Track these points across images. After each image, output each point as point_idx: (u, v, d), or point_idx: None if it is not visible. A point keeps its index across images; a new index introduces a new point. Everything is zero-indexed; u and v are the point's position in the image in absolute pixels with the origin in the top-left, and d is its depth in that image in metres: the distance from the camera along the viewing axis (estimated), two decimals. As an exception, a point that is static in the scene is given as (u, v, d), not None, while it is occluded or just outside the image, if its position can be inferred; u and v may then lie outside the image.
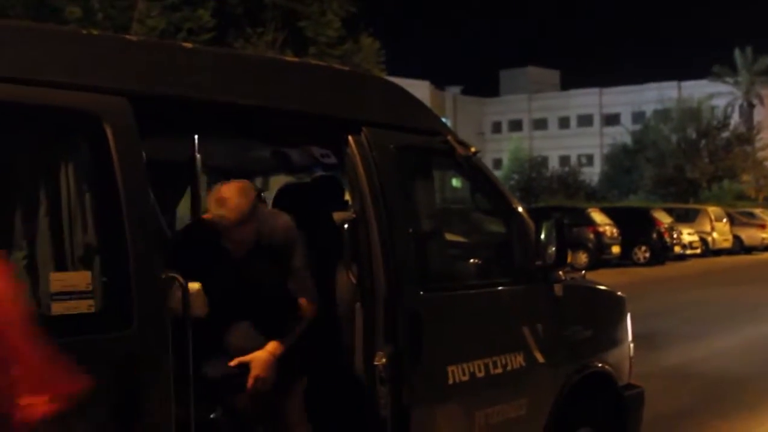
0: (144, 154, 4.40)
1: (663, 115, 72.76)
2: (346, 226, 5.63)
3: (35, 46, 4.21)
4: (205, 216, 5.44)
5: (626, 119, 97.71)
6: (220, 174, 7.84)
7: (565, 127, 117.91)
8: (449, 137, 6.02)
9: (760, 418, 10.79)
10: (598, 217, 36.91)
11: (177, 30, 29.18)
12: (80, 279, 4.06)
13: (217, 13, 30.85)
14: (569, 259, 6.64)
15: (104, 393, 4.04)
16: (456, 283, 6.19)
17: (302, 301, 5.35)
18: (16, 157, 4.05)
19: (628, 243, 37.07)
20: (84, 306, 4.04)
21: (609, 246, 35.82)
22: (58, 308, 3.97)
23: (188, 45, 5.46)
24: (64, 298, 3.98)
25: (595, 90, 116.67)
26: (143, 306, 4.20)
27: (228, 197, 5.04)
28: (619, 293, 7.62)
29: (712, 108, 70.96)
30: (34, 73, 4.11)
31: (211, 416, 5.43)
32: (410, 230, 5.61)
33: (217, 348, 5.28)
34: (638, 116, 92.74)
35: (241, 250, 5.26)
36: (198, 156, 6.35)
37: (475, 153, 6.16)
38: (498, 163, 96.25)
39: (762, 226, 48.52)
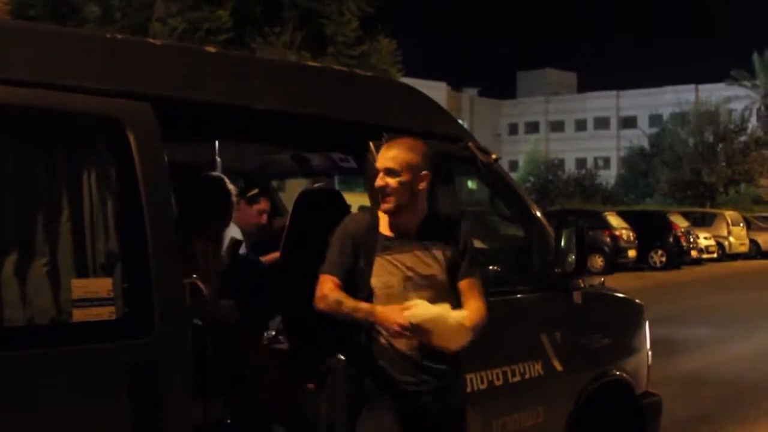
0: (166, 159, 4.40)
1: (680, 118, 72.38)
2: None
3: (57, 50, 4.22)
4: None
5: (643, 122, 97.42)
6: (240, 177, 7.88)
7: (581, 129, 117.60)
8: (471, 144, 6.02)
9: (779, 424, 10.74)
10: (614, 220, 36.77)
11: (195, 30, 29.18)
12: (102, 286, 4.06)
13: (235, 13, 30.84)
14: (585, 264, 6.62)
15: (124, 400, 4.06)
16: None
17: None
18: (37, 163, 4.04)
19: (644, 247, 36.93)
20: (105, 313, 4.04)
21: (625, 250, 35.68)
22: (79, 315, 3.97)
23: (211, 49, 5.46)
24: (85, 304, 3.98)
25: (612, 93, 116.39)
26: (164, 313, 4.20)
27: None
28: (637, 301, 7.60)
29: (730, 111, 70.55)
30: (56, 77, 4.12)
31: (227, 421, 5.44)
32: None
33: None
34: (655, 119, 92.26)
35: None
36: (218, 159, 6.35)
37: (496, 160, 6.16)
38: (514, 165, 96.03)
39: (779, 231, 48.30)
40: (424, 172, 4.71)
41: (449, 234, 4.83)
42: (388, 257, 4.73)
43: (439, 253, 4.76)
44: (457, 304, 4.65)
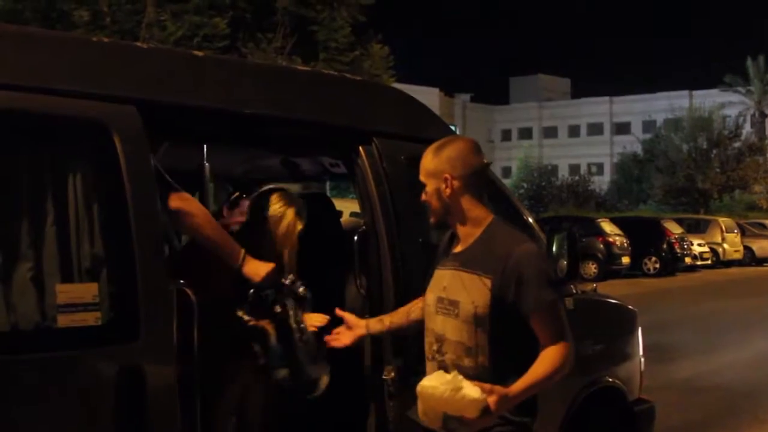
0: (153, 163, 4.35)
1: (674, 124, 72.51)
2: (355, 237, 5.57)
3: (42, 53, 4.18)
4: None
5: (637, 128, 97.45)
6: (229, 182, 7.84)
7: (575, 135, 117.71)
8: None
9: (772, 432, 10.71)
10: (607, 227, 36.82)
11: (192, 36, 29.17)
12: (87, 291, 4.01)
13: (230, 20, 30.84)
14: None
15: (110, 406, 4.01)
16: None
17: None
18: (21, 167, 3.99)
19: (638, 253, 36.98)
20: (91, 318, 4.00)
21: (619, 256, 35.71)
22: (64, 320, 3.93)
23: (198, 53, 5.43)
24: (70, 310, 3.94)
25: (606, 98, 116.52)
26: (150, 318, 4.15)
27: None
28: (630, 307, 7.57)
29: (724, 118, 70.72)
30: (41, 80, 4.08)
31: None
32: (420, 242, 5.55)
33: None
34: (649, 125, 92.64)
35: None
36: (207, 164, 6.31)
37: (487, 165, 6.11)
38: (507, 171, 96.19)
39: (773, 238, 48.32)
40: (446, 175, 4.18)
41: (495, 255, 4.11)
42: (439, 270, 4.36)
43: (487, 279, 4.09)
44: (513, 345, 4.07)
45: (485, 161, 4.32)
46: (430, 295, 4.33)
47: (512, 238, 4.17)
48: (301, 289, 5.40)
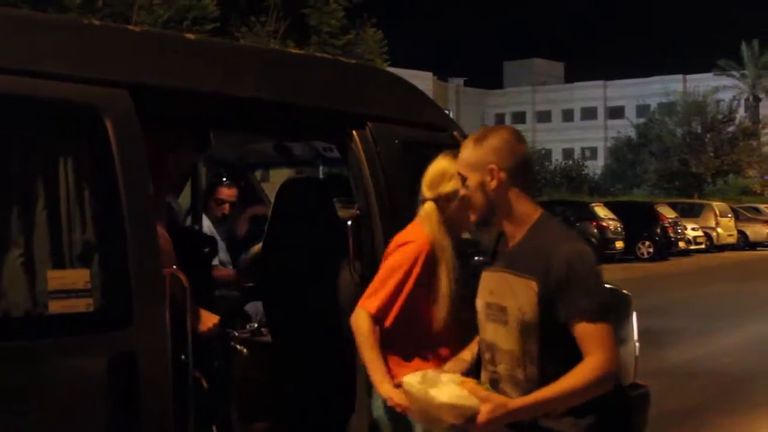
0: (145, 148, 4.31)
1: (668, 108, 72.59)
2: (349, 223, 5.53)
3: (33, 36, 4.14)
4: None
5: (631, 112, 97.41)
6: (221, 167, 7.81)
7: (569, 120, 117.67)
8: (456, 133, 5.94)
9: (767, 416, 10.75)
10: (601, 211, 36.81)
11: (181, 19, 29.10)
12: (78, 277, 3.98)
13: (220, 2, 30.76)
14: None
15: (103, 392, 3.99)
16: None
17: None
18: (11, 151, 3.96)
19: (631, 238, 37.05)
20: (82, 305, 3.97)
21: (612, 241, 35.72)
22: (55, 307, 3.90)
23: (190, 36, 5.38)
24: (62, 296, 3.91)
25: (600, 83, 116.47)
26: (143, 304, 4.12)
27: None
28: (624, 291, 7.53)
29: (718, 102, 70.77)
30: (32, 63, 4.04)
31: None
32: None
33: None
34: (643, 109, 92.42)
35: None
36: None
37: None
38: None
39: (767, 222, 48.36)
40: (492, 166, 3.79)
41: (541, 255, 3.73)
42: (486, 273, 4.01)
43: (533, 281, 3.72)
44: (567, 355, 3.64)
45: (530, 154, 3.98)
46: (479, 301, 3.99)
47: (560, 235, 3.80)
48: (239, 346, 5.42)
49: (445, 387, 3.63)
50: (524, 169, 3.87)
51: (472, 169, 3.84)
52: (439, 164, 4.72)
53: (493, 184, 3.79)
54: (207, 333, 4.98)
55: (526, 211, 3.85)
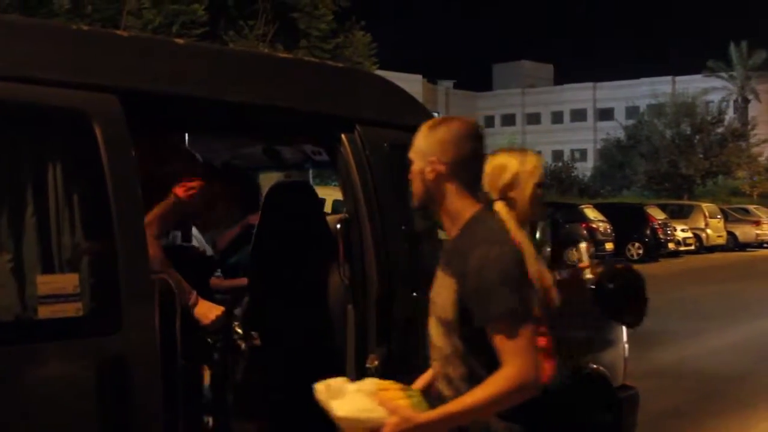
0: (134, 153, 4.32)
1: (657, 110, 72.58)
2: (338, 226, 5.55)
3: (21, 41, 4.15)
4: None
5: (620, 114, 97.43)
6: (210, 170, 7.80)
7: (558, 121, 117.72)
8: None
9: (756, 416, 10.77)
10: (591, 213, 36.77)
11: (171, 24, 29.10)
12: (68, 282, 3.99)
13: (209, 6, 30.78)
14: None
15: (92, 397, 3.99)
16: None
17: None
18: (0, 157, 3.97)
19: (621, 239, 36.97)
20: (72, 309, 3.97)
21: (602, 243, 35.68)
22: (45, 312, 3.90)
23: (180, 41, 5.40)
24: (51, 301, 3.91)
25: (589, 84, 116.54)
26: (132, 309, 4.13)
27: None
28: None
29: (707, 103, 70.89)
30: (21, 69, 4.05)
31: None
32: (404, 230, 5.52)
33: None
34: (632, 111, 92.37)
35: None
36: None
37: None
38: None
39: (756, 223, 48.39)
40: (433, 158, 3.68)
41: (461, 256, 3.61)
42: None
43: (453, 281, 3.62)
44: (493, 353, 3.48)
45: (483, 151, 3.85)
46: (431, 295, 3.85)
47: (481, 237, 3.59)
48: (242, 344, 5.43)
49: (349, 398, 3.52)
50: (468, 165, 3.74)
51: (417, 156, 3.75)
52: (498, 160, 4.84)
53: (431, 175, 3.69)
54: (212, 325, 5.03)
55: (463, 207, 3.72)
